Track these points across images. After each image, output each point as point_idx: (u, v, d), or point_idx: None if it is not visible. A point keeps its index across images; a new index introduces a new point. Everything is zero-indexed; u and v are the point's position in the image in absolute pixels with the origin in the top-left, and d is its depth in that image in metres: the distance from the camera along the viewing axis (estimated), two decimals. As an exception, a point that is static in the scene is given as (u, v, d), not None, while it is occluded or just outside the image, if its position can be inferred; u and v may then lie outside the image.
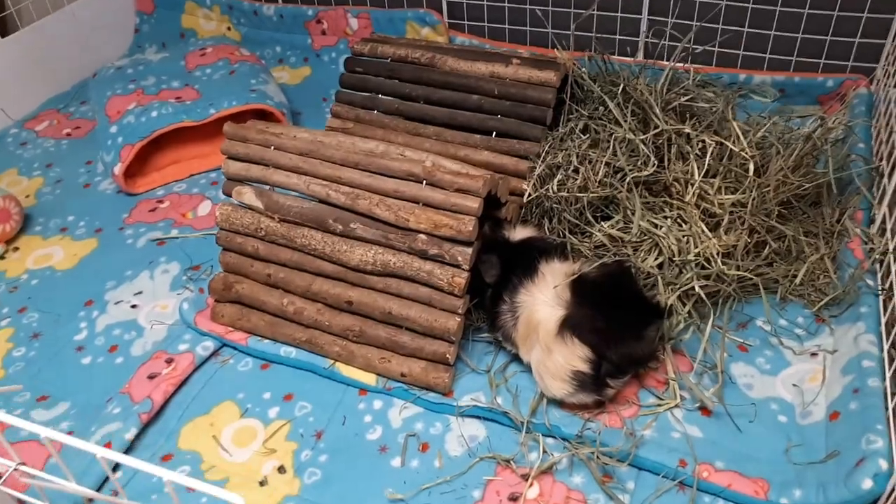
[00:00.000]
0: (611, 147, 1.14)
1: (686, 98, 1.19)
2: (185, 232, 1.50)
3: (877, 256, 1.14)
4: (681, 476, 0.97)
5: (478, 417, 1.09)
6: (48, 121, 1.93)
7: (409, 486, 1.00)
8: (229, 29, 2.16)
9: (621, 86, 1.22)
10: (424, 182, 1.05)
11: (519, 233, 1.13)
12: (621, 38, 1.76)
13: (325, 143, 1.12)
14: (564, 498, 0.97)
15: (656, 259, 1.11)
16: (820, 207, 1.26)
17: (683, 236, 1.09)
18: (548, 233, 1.21)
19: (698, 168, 1.12)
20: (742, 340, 1.13)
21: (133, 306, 1.33)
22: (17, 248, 1.50)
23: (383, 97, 1.40)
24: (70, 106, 1.98)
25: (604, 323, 1.00)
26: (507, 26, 1.87)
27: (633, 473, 1.00)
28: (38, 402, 1.17)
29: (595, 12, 1.68)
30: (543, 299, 1.04)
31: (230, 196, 1.18)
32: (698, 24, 1.61)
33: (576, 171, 1.16)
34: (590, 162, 1.15)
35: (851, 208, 1.24)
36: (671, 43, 1.60)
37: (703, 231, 1.08)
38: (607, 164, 1.15)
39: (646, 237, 1.12)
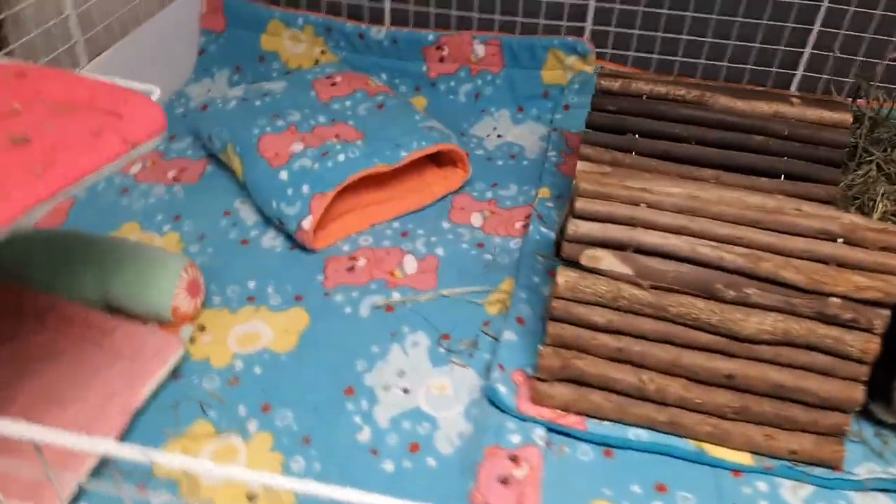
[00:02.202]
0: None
1: None
2: (406, 294, 1.30)
3: None
4: None
5: (879, 490, 1.01)
6: (139, 161, 1.62)
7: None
8: (323, 52, 1.93)
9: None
10: (841, 240, 0.96)
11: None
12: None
13: (704, 198, 1.00)
14: None
15: None
16: None
17: None
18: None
19: None
20: None
21: (405, 391, 1.13)
22: (202, 328, 1.23)
23: (643, 139, 1.28)
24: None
25: None
26: (655, 56, 1.81)
27: None
28: (364, 526, 0.95)
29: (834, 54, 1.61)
30: None
31: (574, 262, 1.02)
32: None
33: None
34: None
35: None
36: None
37: None
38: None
39: None
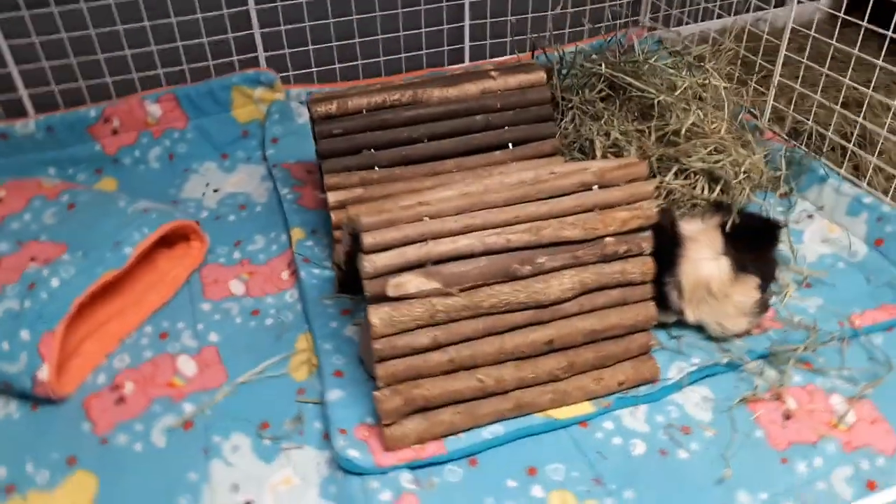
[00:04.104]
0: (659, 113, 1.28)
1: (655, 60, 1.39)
2: (199, 401, 1.13)
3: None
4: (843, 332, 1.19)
5: (692, 383, 1.14)
6: None
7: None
8: (-43, 169, 1.58)
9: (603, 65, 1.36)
10: (597, 186, 1.04)
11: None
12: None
13: (474, 192, 1.01)
14: (809, 392, 1.12)
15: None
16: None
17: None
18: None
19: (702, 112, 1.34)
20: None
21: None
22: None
23: (380, 151, 1.27)
24: None
25: (755, 252, 1.16)
26: (337, 66, 1.80)
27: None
28: None
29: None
30: (701, 258, 1.14)
31: (380, 299, 0.97)
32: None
33: (629, 142, 1.27)
34: (637, 132, 1.27)
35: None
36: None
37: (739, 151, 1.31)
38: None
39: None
